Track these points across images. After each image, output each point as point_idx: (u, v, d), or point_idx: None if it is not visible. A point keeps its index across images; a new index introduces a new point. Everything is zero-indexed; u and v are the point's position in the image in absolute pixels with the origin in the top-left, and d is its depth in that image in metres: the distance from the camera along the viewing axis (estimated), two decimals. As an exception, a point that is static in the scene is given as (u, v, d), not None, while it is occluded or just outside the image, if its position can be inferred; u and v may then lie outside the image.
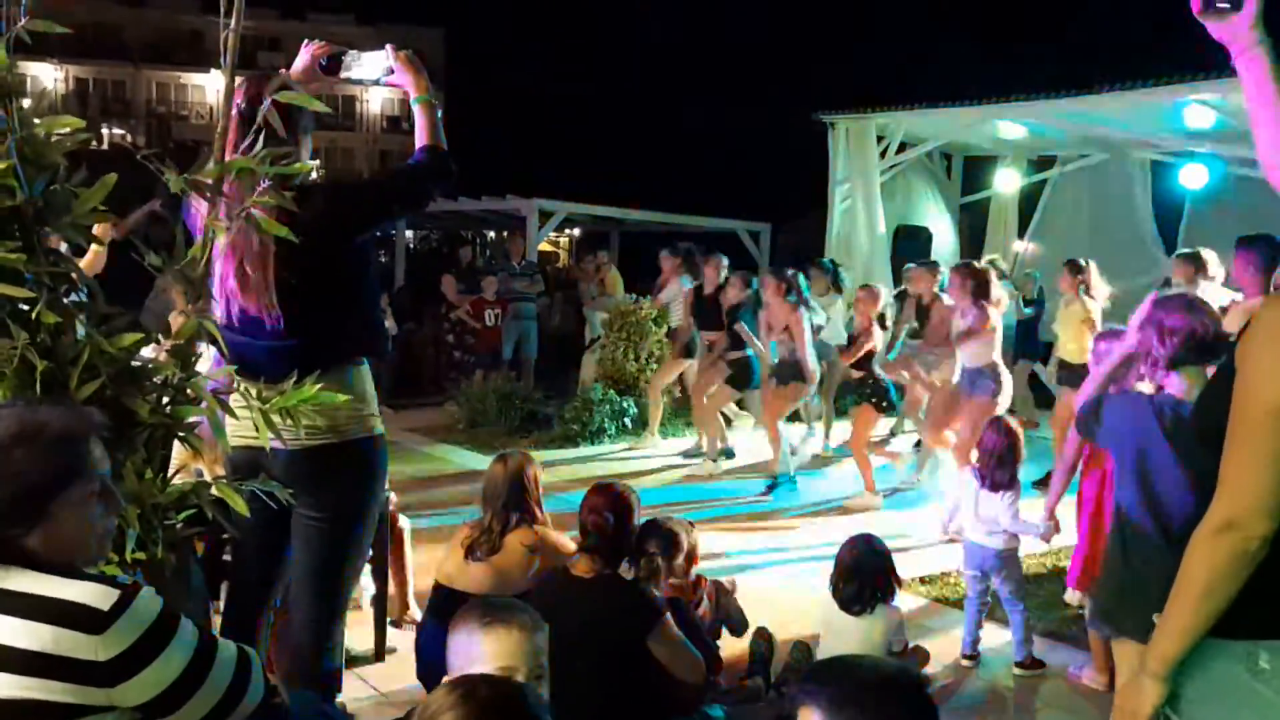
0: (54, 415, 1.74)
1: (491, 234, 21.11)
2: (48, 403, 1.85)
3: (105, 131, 39.42)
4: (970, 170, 13.67)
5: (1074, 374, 6.69)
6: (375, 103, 48.93)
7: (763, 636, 4.09)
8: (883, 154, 11.80)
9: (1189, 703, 1.72)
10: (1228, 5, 1.84)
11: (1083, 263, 7.17)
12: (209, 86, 45.18)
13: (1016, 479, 4.37)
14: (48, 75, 39.13)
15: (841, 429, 8.53)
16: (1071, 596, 4.13)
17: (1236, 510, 1.59)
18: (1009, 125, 11.27)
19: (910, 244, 11.32)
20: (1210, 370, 2.93)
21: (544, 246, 18.52)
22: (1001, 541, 4.33)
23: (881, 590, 3.79)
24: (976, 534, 4.39)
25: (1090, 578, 3.89)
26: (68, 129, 2.21)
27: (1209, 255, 6.60)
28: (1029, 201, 13.51)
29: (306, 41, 2.93)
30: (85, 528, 1.74)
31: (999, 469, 4.34)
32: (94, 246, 5.29)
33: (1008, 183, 12.81)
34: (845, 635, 3.80)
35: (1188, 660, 1.71)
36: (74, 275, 2.21)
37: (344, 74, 2.89)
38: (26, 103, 2.22)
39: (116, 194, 2.24)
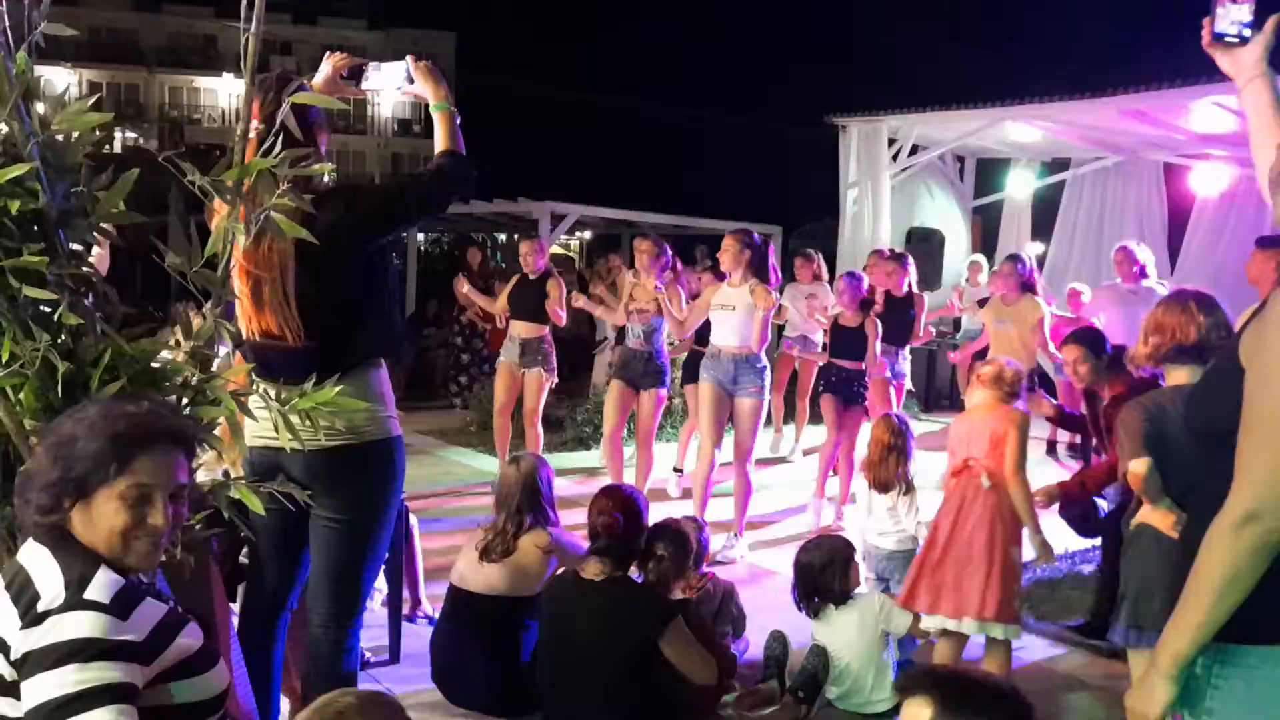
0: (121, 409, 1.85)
1: (503, 237, 21.11)
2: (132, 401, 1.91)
3: (119, 135, 39.62)
4: (983, 172, 13.59)
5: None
6: (386, 106, 49.00)
7: (777, 640, 4.09)
8: (895, 157, 11.76)
9: (1227, 714, 1.66)
10: (1236, 40, 1.97)
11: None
12: (221, 90, 45.37)
13: (905, 477, 4.32)
14: (61, 79, 39.31)
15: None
16: (929, 623, 3.75)
17: (1259, 503, 1.56)
18: (1021, 128, 11.22)
19: (923, 247, 11.25)
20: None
21: (555, 249, 18.46)
22: (893, 542, 4.30)
23: (840, 582, 3.86)
24: (870, 535, 4.37)
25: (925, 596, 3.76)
26: (90, 126, 2.22)
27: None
28: (1042, 203, 13.45)
29: (328, 54, 2.97)
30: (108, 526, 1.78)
31: (880, 466, 4.31)
32: (95, 250, 5.32)
33: (1021, 185, 12.77)
34: (834, 626, 3.88)
35: (1224, 670, 1.66)
36: (93, 278, 2.23)
37: (365, 84, 2.93)
38: (44, 107, 2.24)
39: (131, 197, 2.25)
